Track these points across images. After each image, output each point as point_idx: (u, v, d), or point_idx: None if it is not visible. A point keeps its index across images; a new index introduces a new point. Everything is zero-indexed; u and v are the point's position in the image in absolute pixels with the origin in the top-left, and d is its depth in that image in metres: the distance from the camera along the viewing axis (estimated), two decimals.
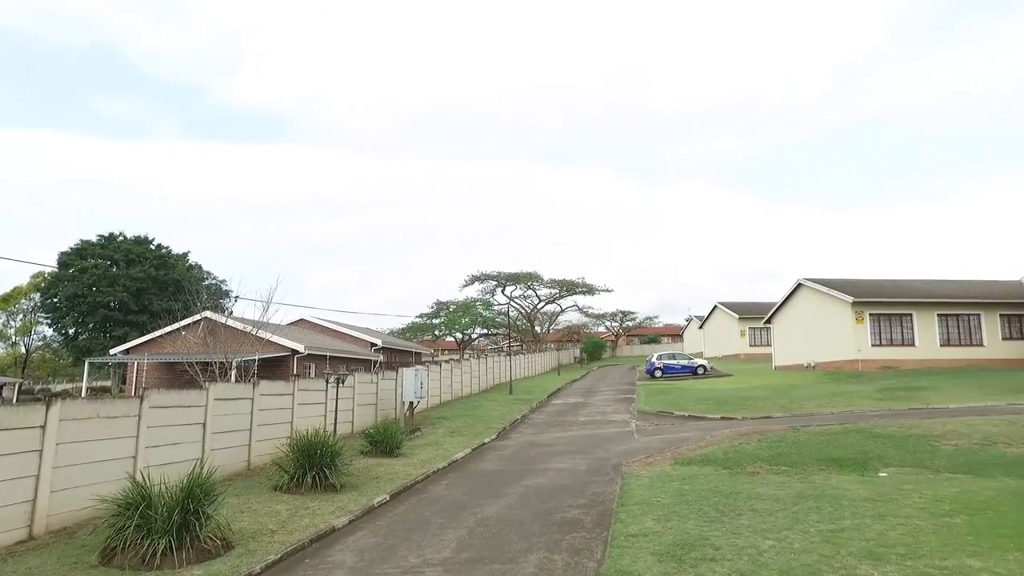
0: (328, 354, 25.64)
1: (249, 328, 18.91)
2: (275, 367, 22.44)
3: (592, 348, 74.31)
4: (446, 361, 32.26)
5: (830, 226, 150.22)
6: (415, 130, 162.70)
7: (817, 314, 33.40)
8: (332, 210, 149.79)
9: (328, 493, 10.20)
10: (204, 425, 10.89)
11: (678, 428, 17.14)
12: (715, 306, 60.05)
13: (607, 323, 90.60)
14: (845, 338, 30.71)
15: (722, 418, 18.74)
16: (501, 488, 10.77)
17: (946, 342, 30.98)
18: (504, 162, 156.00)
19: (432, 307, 63.08)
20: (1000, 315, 31.64)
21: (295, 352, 23.28)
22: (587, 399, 27.64)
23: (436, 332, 64.10)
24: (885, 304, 30.79)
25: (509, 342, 61.60)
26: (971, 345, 31.10)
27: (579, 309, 76.10)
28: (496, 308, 64.84)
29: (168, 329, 24.18)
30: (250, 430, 12.32)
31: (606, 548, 6.95)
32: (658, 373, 36.98)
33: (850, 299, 30.21)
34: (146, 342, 25.56)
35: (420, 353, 43.99)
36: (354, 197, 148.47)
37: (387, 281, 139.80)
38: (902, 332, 30.86)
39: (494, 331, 70.15)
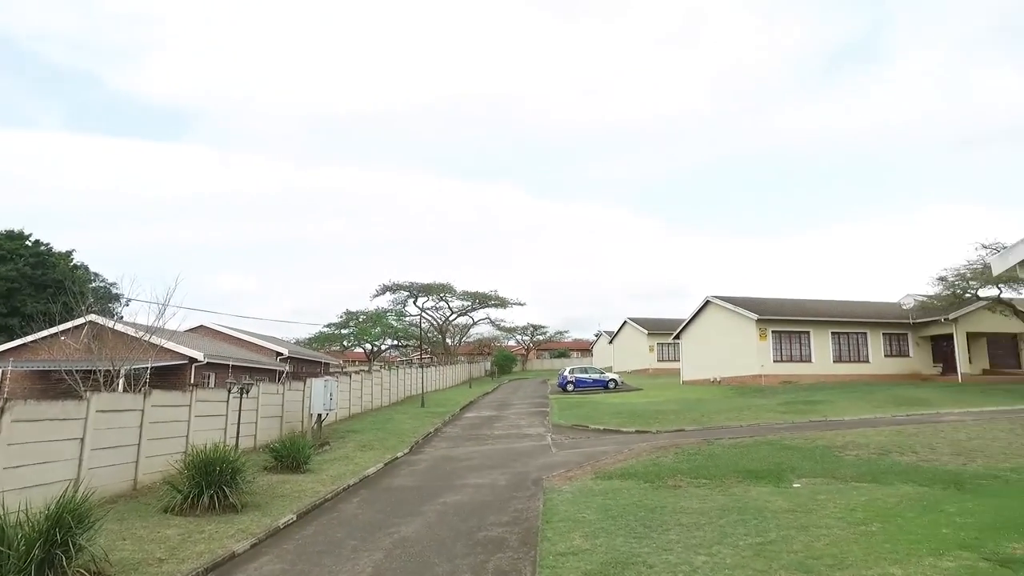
0: (231, 363, 24.00)
1: (141, 333, 17.26)
2: (171, 376, 20.74)
3: (503, 361, 74.31)
4: (356, 372, 31.13)
5: (731, 247, 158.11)
6: (327, 137, 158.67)
7: (724, 330, 34.70)
8: (236, 214, 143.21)
9: (228, 514, 9.28)
10: (83, 441, 9.64)
11: (595, 442, 17.08)
12: (625, 321, 61.51)
13: (518, 337, 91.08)
14: (749, 354, 32.00)
15: (637, 431, 18.88)
16: (418, 505, 10.19)
17: (838, 358, 32.91)
18: (418, 173, 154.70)
19: (341, 317, 61.04)
20: (883, 334, 34.00)
21: (193, 360, 21.63)
22: (501, 412, 27.33)
23: (345, 343, 62.03)
24: (786, 322, 32.38)
25: (421, 354, 60.50)
26: (859, 361, 33.20)
27: (491, 322, 76.00)
28: (408, 319, 63.65)
29: (44, 333, 21.78)
30: (139, 445, 11.09)
31: (535, 569, 6.57)
32: (570, 387, 37.22)
33: (755, 316, 31.55)
34: (16, 347, 23.01)
35: (328, 364, 42.31)
36: (261, 202, 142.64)
37: (295, 289, 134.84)
38: (800, 349, 32.52)
39: (405, 343, 68.79)
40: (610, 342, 66.92)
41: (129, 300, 29.95)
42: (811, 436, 15.71)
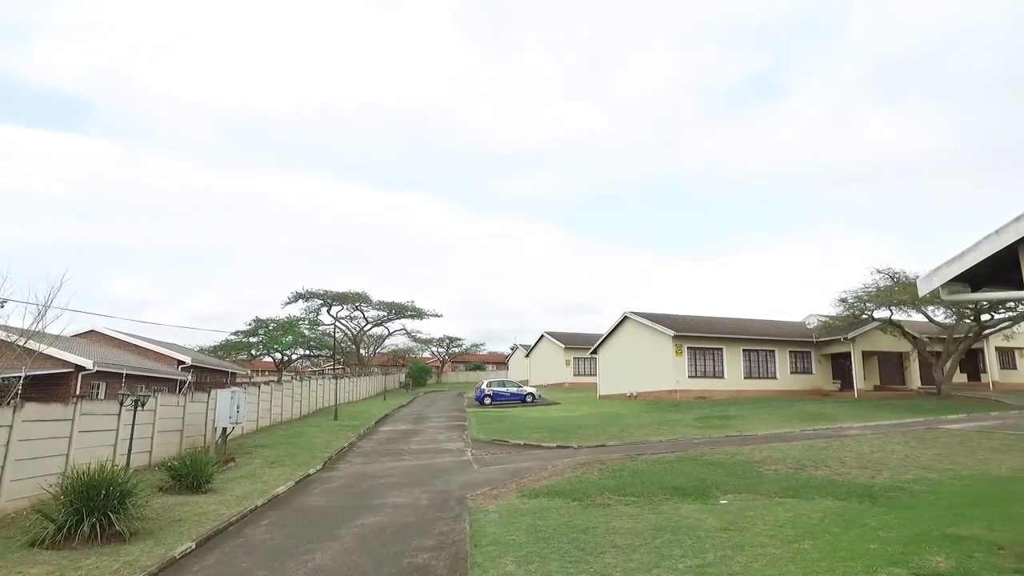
0: (124, 372, 22.02)
1: (15, 337, 15.37)
2: (53, 387, 18.70)
3: (418, 373, 73.09)
4: (265, 383, 29.49)
5: (644, 266, 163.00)
6: (234, 138, 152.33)
7: (641, 346, 35.29)
8: (134, 214, 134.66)
9: (113, 544, 8.19)
10: None
11: (516, 457, 16.69)
12: (542, 335, 61.83)
13: (434, 348, 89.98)
14: (665, 369, 32.64)
15: (558, 447, 18.65)
16: (334, 528, 9.43)
17: (749, 375, 34.12)
18: (335, 181, 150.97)
19: (250, 324, 58.10)
20: (789, 351, 35.59)
21: (81, 369, 19.64)
22: (418, 426, 26.53)
23: (254, 351, 59.06)
24: (701, 339, 33.28)
25: (334, 365, 58.46)
26: (767, 378, 34.55)
27: (407, 333, 74.67)
28: (321, 329, 61.41)
29: None
30: (2, 467, 9.72)
31: None
32: (488, 400, 36.80)
33: (672, 333, 32.24)
34: None
35: (235, 373, 39.99)
36: (163, 201, 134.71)
37: (200, 295, 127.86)
38: (714, 365, 33.50)
39: (317, 353, 66.38)
40: (527, 356, 67.07)
41: (4, 301, 26.88)
42: (730, 451, 15.95)
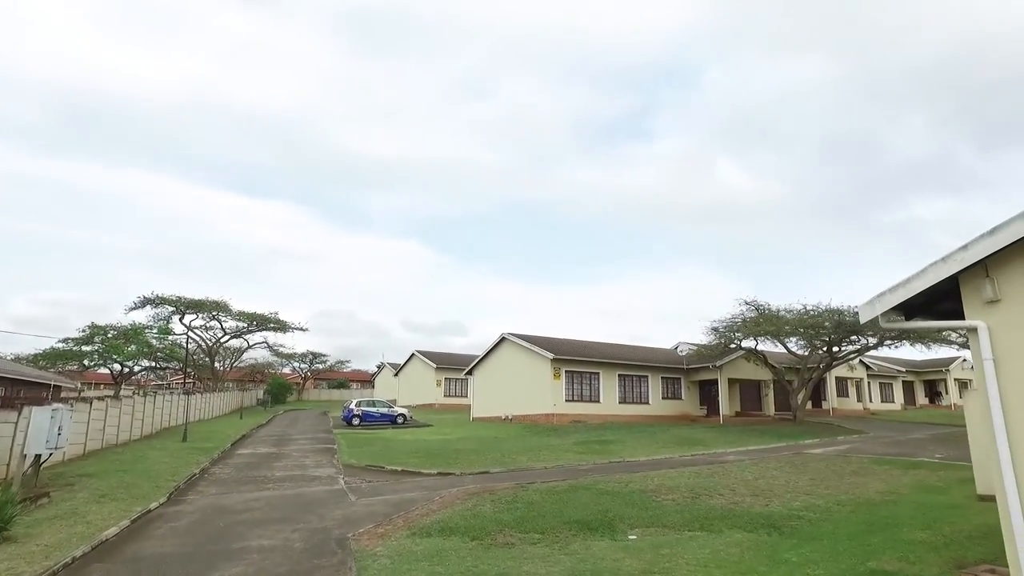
0: None
1: None
2: None
3: (278, 390, 68.49)
4: (99, 398, 25.56)
5: (514, 289, 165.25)
6: (69, 126, 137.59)
7: (518, 368, 34.70)
8: None
9: None
10: None
11: (397, 486, 15.14)
12: (413, 354, 59.95)
13: (296, 364, 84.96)
14: (543, 392, 32.21)
15: (439, 474, 17.26)
16: None
17: (623, 400, 34.52)
18: (194, 183, 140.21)
19: (84, 330, 51.19)
20: (661, 377, 36.53)
21: None
22: (281, 448, 23.98)
23: (87, 361, 52.06)
24: (579, 362, 33.23)
25: (184, 378, 52.98)
26: (640, 403, 35.16)
27: (269, 347, 69.70)
28: (172, 339, 55.46)
29: None
30: None
31: None
32: (356, 420, 34.56)
33: (551, 355, 31.91)
34: None
35: (60, 387, 34.70)
36: None
37: (19, 295, 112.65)
38: (590, 389, 33.54)
39: (165, 365, 60.01)
40: (396, 375, 64.76)
41: None
42: (622, 479, 15.42)
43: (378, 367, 79.68)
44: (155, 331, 52.41)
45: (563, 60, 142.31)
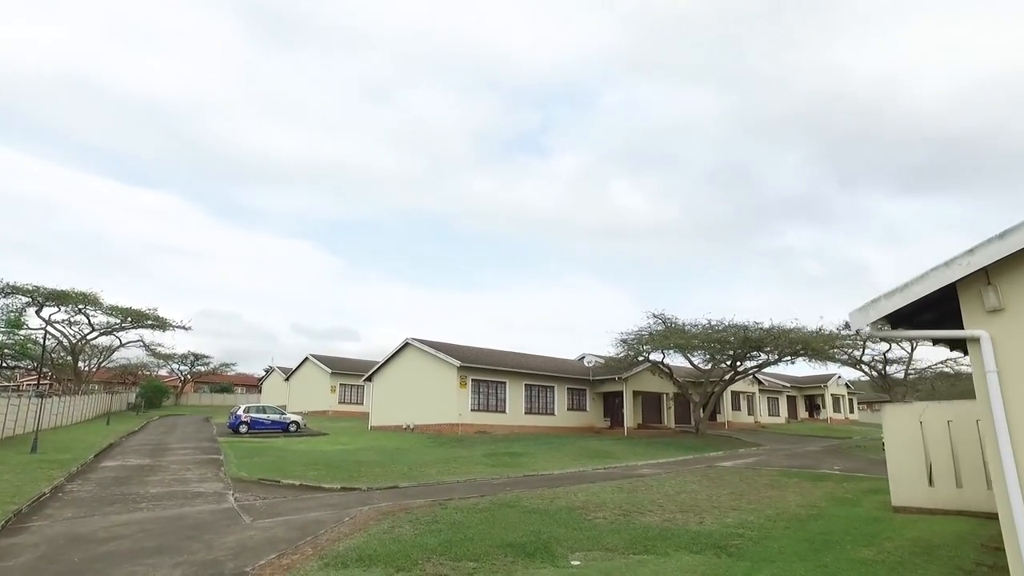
0: None
1: None
2: None
3: (153, 393, 62.85)
4: None
5: (409, 295, 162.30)
6: None
7: (422, 375, 33.14)
8: None
9: None
10: None
11: (297, 504, 13.35)
12: (307, 358, 56.71)
13: (174, 366, 78.47)
14: (448, 401, 30.84)
15: (343, 489, 15.56)
16: None
17: (529, 410, 33.74)
18: (62, 164, 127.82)
19: None
20: (567, 388, 36.10)
21: None
22: (157, 460, 21.13)
23: None
24: (485, 371, 32.13)
25: (39, 379, 47.07)
26: (546, 414, 34.52)
27: (145, 346, 63.58)
28: (26, 333, 49.07)
29: None
30: None
31: None
32: (244, 428, 31.70)
33: (458, 363, 30.62)
34: None
35: None
36: None
37: None
38: (496, 399, 32.51)
39: (14, 364, 53.21)
40: (286, 379, 61.01)
41: None
42: (544, 495, 14.43)
43: (266, 371, 75.02)
44: (1, 324, 46.16)
45: (466, 72, 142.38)
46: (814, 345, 29.68)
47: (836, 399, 59.86)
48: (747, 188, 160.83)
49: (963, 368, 39.07)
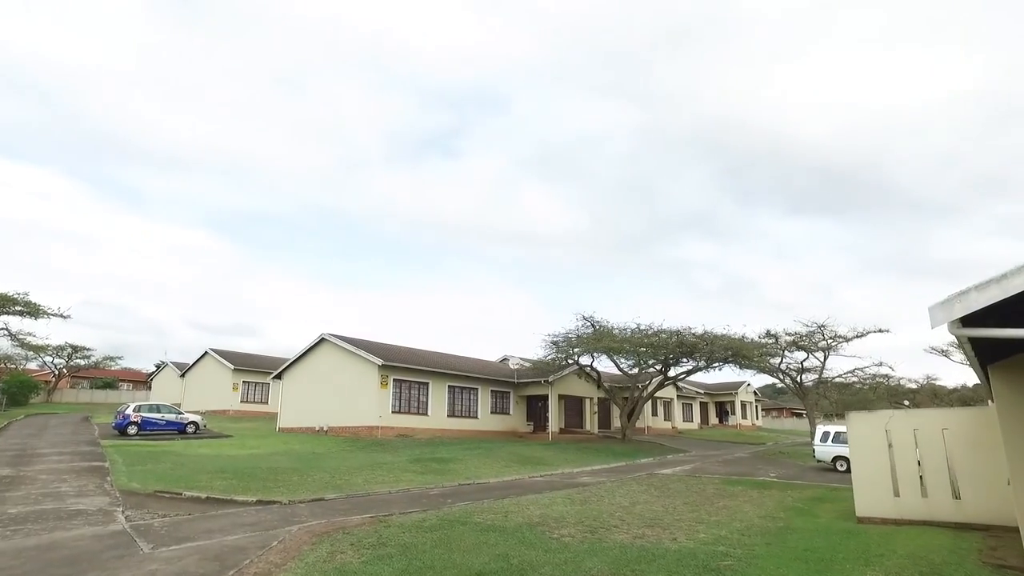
0: None
1: None
2: None
3: (17, 388, 55.98)
4: None
5: (315, 293, 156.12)
6: None
7: (339, 374, 30.74)
8: None
9: None
10: None
11: (208, 523, 11.11)
12: (206, 352, 52.30)
13: (48, 358, 70.76)
14: (368, 402, 28.66)
15: (260, 502, 13.39)
16: None
17: (452, 413, 32.02)
18: None
19: None
20: (491, 391, 34.64)
21: None
22: (21, 469, 17.73)
23: None
24: (408, 371, 30.16)
25: None
26: (469, 417, 32.92)
27: (11, 335, 56.55)
28: None
29: None
30: None
31: None
32: (133, 429, 28.17)
33: (380, 361, 28.51)
34: None
35: None
36: None
37: None
38: (419, 401, 30.61)
39: None
40: (182, 376, 56.07)
41: None
42: (496, 509, 12.91)
43: (157, 366, 69.01)
44: None
45: (379, 68, 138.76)
46: (744, 352, 29.78)
47: (744, 406, 61.71)
48: (652, 202, 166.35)
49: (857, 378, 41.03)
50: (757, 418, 64.31)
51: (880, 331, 36.06)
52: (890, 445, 13.29)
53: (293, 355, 34.64)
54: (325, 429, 29.94)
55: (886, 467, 13.26)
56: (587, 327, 32.93)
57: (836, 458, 23.24)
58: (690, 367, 32.96)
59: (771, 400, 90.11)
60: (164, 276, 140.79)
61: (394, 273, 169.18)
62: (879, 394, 53.66)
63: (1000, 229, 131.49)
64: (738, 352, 29.79)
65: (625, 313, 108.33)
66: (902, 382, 53.83)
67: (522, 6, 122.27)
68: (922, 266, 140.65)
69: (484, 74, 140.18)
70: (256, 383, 47.36)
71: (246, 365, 48.19)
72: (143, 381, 77.45)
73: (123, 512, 11.70)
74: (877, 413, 14.04)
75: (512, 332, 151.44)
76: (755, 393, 63.25)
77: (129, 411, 28.96)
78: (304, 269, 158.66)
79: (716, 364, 31.56)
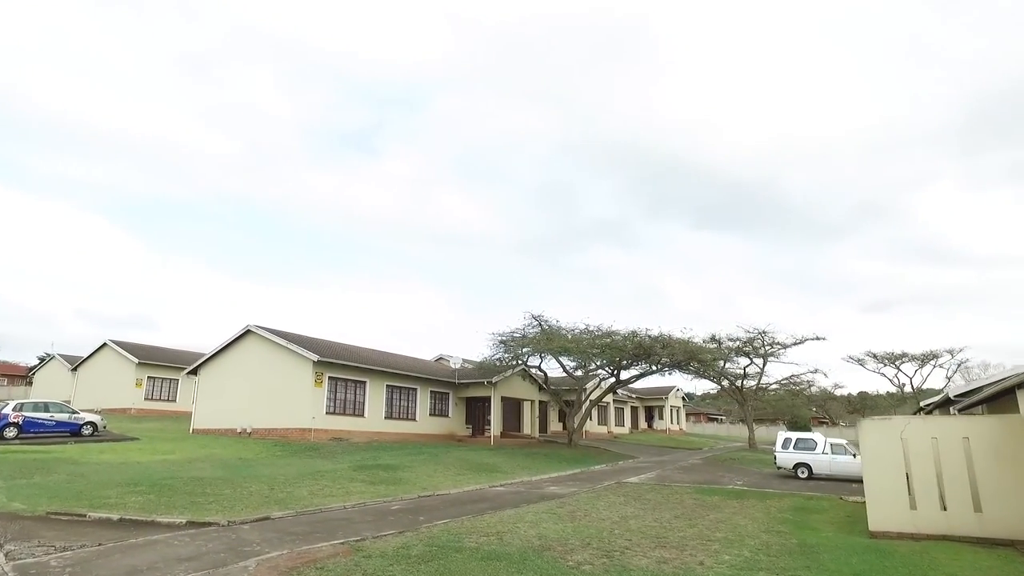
0: None
1: None
2: None
3: None
4: None
5: (223, 286, 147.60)
6: None
7: (267, 370, 27.71)
8: None
9: None
10: None
11: (131, 558, 8.54)
12: (104, 344, 47.01)
13: None
14: (301, 402, 25.89)
15: (192, 524, 10.85)
16: None
17: (390, 415, 29.64)
18: None
19: None
20: (431, 391, 32.43)
21: None
22: None
23: None
24: (345, 368, 27.56)
25: None
26: (408, 419, 30.64)
27: None
28: None
29: None
30: None
31: None
32: (12, 432, 24.09)
33: (315, 357, 25.80)
34: None
35: None
36: None
37: None
38: (355, 401, 28.06)
39: None
40: (73, 370, 50.28)
41: None
42: (483, 528, 11.05)
43: (41, 359, 62.14)
44: None
45: (296, 59, 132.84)
46: (701, 356, 29.06)
47: (673, 411, 61.99)
48: (569, 208, 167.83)
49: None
50: (683, 423, 64.85)
51: (817, 339, 36.49)
52: (906, 454, 12.33)
53: (212, 348, 31.07)
54: (248, 431, 26.84)
55: (902, 478, 12.29)
56: (535, 326, 31.37)
57: (797, 465, 22.66)
58: (642, 370, 31.95)
59: (689, 405, 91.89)
60: (53, 264, 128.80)
61: (313, 269, 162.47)
62: (802, 399, 55.19)
63: (881, 251, 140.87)
64: (694, 356, 29.06)
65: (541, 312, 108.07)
66: (828, 389, 55.56)
67: (442, 6, 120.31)
68: (815, 282, 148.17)
69: (403, 73, 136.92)
70: (164, 379, 42.92)
71: (152, 359, 43.59)
72: (22, 376, 69.65)
73: (2, 546, 8.93)
74: (892, 420, 13.08)
75: (435, 333, 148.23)
76: (683, 398, 63.77)
77: (7, 410, 24.78)
78: (214, 261, 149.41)
79: (671, 368, 30.71)
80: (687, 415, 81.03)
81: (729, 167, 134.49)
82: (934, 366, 54.16)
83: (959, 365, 53.04)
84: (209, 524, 10.78)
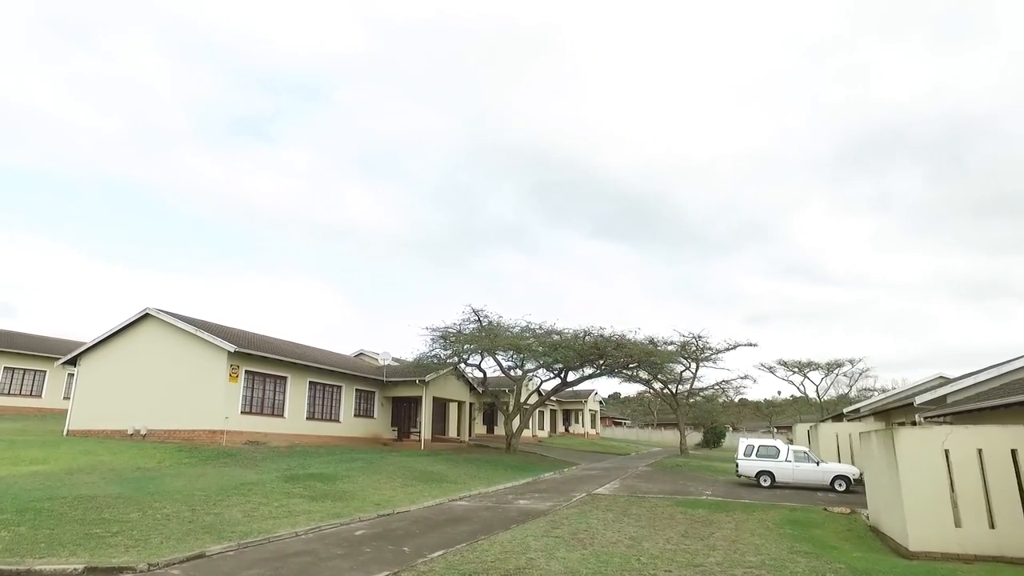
0: None
1: None
2: None
3: None
4: None
5: (104, 272, 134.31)
6: None
7: (169, 362, 23.65)
8: None
9: None
10: None
11: None
12: None
13: None
14: (212, 400, 22.19)
15: (91, 571, 7.79)
16: None
17: (312, 415, 26.33)
18: None
19: None
20: (356, 389, 29.32)
21: None
22: None
23: None
24: (265, 362, 24.04)
25: None
26: (331, 420, 27.44)
27: None
28: None
29: None
30: None
31: None
32: None
33: (231, 348, 22.18)
34: None
35: None
36: None
37: None
38: (274, 399, 24.59)
39: None
40: None
41: None
42: (489, 563, 8.77)
43: None
44: None
45: (189, 38, 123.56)
46: (655, 358, 27.70)
47: (591, 414, 61.24)
48: (469, 211, 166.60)
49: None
50: (598, 427, 64.32)
51: (750, 344, 36.39)
52: (950, 467, 11.09)
53: (98, 335, 26.26)
54: (143, 432, 22.70)
55: (944, 493, 11.01)
56: (474, 321, 29.01)
57: (760, 473, 21.66)
58: (593, 371, 30.24)
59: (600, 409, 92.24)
60: None
61: (198, 259, 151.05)
62: (716, 405, 55.99)
63: (761, 267, 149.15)
64: (647, 358, 27.73)
65: (443, 315, 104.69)
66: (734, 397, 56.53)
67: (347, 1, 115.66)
68: (704, 294, 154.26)
69: (303, 62, 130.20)
70: (26, 370, 36.71)
71: (11, 346, 37.16)
72: None
73: None
74: (933, 430, 11.82)
75: (332, 331, 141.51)
76: (600, 402, 63.19)
77: None
78: (85, 243, 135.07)
79: (624, 369, 29.22)
80: (609, 419, 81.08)
81: (626, 177, 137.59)
82: (836, 375, 56.49)
83: (860, 373, 55.53)
84: (121, 571, 7.76)
